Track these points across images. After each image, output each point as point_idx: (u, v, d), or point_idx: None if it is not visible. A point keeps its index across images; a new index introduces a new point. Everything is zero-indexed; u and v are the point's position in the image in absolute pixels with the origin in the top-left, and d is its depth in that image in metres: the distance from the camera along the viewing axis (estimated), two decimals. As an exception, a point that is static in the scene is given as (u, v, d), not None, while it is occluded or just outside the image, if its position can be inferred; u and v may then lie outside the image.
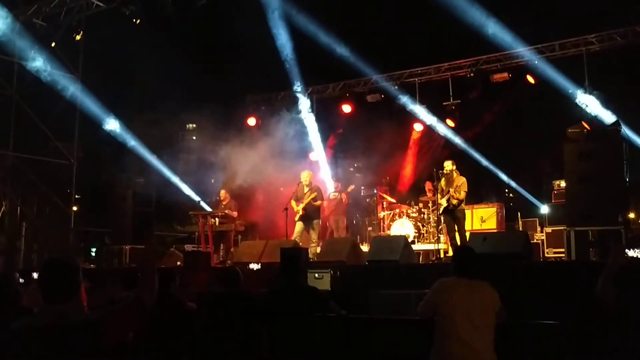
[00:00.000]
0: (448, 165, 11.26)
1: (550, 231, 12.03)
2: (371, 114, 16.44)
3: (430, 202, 13.21)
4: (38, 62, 14.02)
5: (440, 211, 11.25)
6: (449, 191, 10.97)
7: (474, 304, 4.52)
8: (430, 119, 15.76)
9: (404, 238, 10.62)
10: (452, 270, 4.80)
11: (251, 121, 17.47)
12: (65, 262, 3.10)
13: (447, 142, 15.82)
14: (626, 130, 9.88)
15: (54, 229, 14.86)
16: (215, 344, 5.45)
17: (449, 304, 4.56)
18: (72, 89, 15.04)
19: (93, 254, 15.02)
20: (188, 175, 15.89)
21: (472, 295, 4.56)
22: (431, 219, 13.20)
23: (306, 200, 11.84)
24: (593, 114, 13.21)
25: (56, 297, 2.96)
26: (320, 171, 15.48)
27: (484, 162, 15.00)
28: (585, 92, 13.43)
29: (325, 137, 16.40)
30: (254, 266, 9.70)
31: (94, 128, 14.97)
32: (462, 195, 10.93)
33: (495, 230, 12.64)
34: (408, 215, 13.61)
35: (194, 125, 21.26)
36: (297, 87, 15.95)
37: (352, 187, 13.58)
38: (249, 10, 12.80)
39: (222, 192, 13.03)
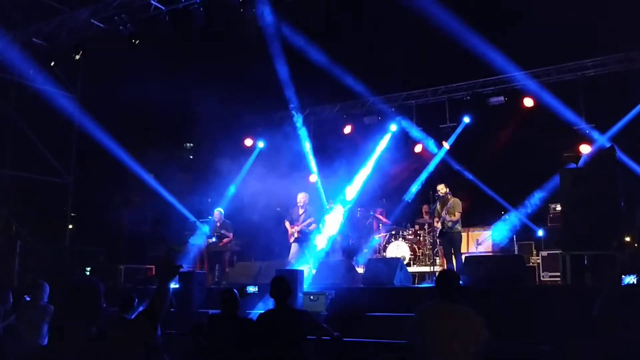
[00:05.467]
0: (441, 188, 11.37)
1: (546, 255, 12.02)
2: (368, 136, 16.49)
3: (426, 224, 13.21)
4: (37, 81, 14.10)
5: (437, 234, 11.28)
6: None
7: (454, 329, 4.49)
8: (427, 141, 15.81)
9: (400, 260, 10.63)
10: (436, 294, 4.79)
11: (248, 141, 17.50)
12: (91, 285, 3.18)
13: (443, 164, 15.84)
14: (621, 155, 9.93)
15: (49, 248, 14.79)
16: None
17: (429, 329, 4.55)
18: (70, 107, 15.08)
19: (87, 273, 14.92)
20: (184, 194, 15.86)
21: (453, 321, 4.54)
22: (427, 241, 13.19)
23: (301, 225, 11.88)
24: (589, 139, 13.29)
25: (83, 317, 3.03)
26: (316, 191, 15.48)
27: (480, 185, 15.01)
28: (580, 117, 13.52)
29: (322, 157, 16.38)
30: (252, 289, 9.65)
31: (91, 147, 14.96)
32: (456, 216, 10.99)
33: (491, 254, 12.63)
34: (404, 238, 13.60)
35: (192, 145, 21.27)
36: (294, 108, 16.00)
37: (347, 206, 13.63)
38: (247, 31, 12.88)
39: (217, 213, 13.03)
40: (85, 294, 3.12)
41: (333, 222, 13.38)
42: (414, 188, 15.18)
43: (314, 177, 16.09)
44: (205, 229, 13.28)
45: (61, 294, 3.20)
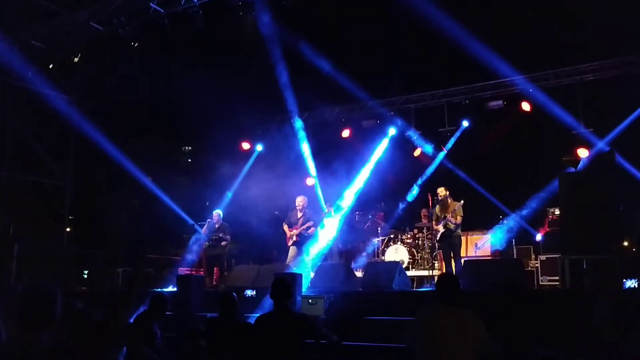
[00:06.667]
0: (442, 191, 11.36)
1: (545, 259, 12.02)
2: (367, 139, 16.47)
3: (425, 228, 13.20)
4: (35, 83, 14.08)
5: (438, 238, 11.25)
6: (445, 217, 11.03)
7: (454, 332, 4.47)
8: (426, 145, 15.80)
9: (398, 264, 10.61)
10: (435, 297, 4.77)
11: (246, 145, 17.48)
12: (45, 290, 3.05)
13: (442, 168, 15.83)
14: (620, 159, 9.92)
15: (47, 251, 14.75)
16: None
17: (429, 332, 4.52)
18: (68, 110, 15.06)
19: (85, 275, 14.89)
20: (182, 197, 15.84)
21: (453, 324, 4.52)
22: (426, 245, 13.18)
23: (300, 229, 11.87)
24: (587, 143, 13.28)
25: (34, 324, 2.90)
26: (314, 195, 15.46)
27: (479, 189, 15.01)
28: (579, 121, 13.52)
29: (320, 160, 16.36)
30: (250, 292, 9.62)
31: (89, 150, 14.94)
32: (459, 219, 11.00)
33: (490, 258, 12.62)
34: (402, 241, 13.59)
35: (190, 148, 21.27)
36: (293, 111, 15.99)
37: (343, 210, 13.61)
38: (246, 34, 12.89)
39: (216, 214, 12.99)
40: (37, 300, 2.98)
41: (331, 226, 13.35)
42: (413, 192, 15.16)
43: (311, 181, 16.07)
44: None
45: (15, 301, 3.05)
